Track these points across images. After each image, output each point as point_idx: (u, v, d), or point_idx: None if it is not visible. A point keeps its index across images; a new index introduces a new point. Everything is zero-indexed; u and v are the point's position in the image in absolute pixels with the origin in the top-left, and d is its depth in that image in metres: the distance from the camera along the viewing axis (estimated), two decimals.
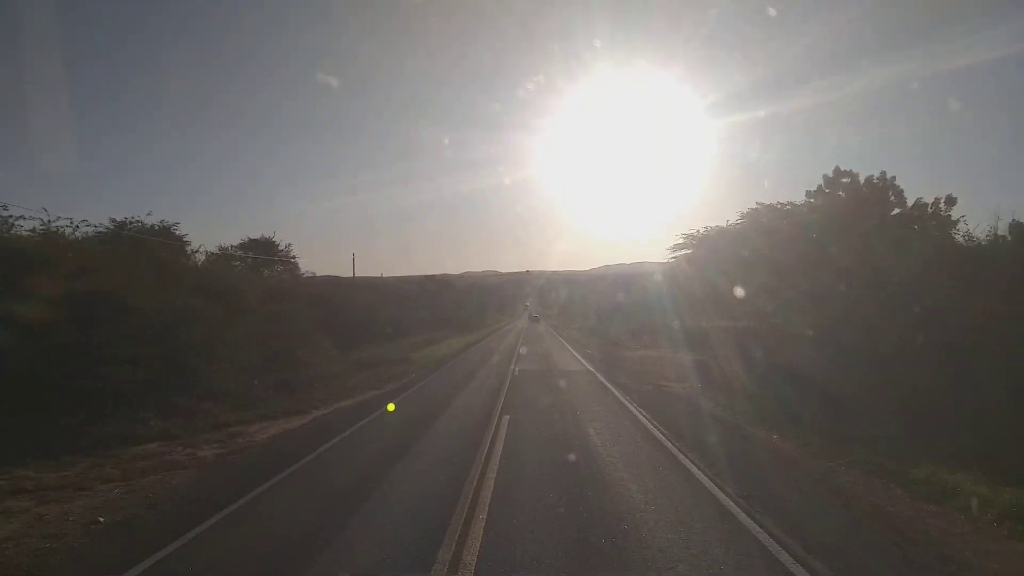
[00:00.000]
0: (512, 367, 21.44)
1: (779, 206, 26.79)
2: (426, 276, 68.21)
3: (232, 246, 37.81)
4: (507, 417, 11.28)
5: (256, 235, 38.55)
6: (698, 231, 31.14)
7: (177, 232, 28.78)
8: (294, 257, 39.80)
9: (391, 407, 13.37)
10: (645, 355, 26.22)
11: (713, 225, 30.51)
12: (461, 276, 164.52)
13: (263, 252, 39.24)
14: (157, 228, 28.33)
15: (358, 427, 11.21)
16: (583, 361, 24.72)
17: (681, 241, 32.19)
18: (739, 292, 24.45)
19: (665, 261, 35.66)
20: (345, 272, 42.08)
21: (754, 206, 27.48)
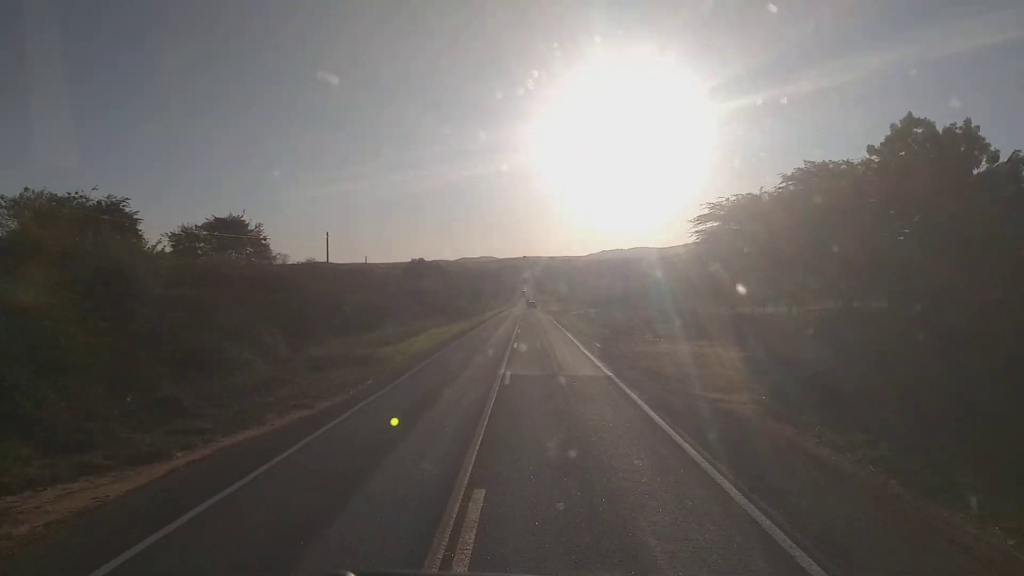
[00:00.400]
0: (502, 371, 16.35)
1: (832, 166, 22.08)
2: (413, 260, 62.84)
3: (196, 226, 33.43)
4: (480, 496, 6.00)
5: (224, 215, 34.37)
6: (728, 199, 26.60)
7: (127, 209, 24.75)
8: (264, 238, 35.64)
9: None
10: (668, 350, 21.33)
11: (744, 193, 26.00)
12: (457, 262, 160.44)
13: (231, 233, 34.51)
14: (104, 204, 24.07)
15: (218, 499, 6.22)
16: (594, 360, 19.75)
17: (707, 212, 27.55)
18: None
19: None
20: (336, 258, 37.34)
21: (800, 166, 22.84)
